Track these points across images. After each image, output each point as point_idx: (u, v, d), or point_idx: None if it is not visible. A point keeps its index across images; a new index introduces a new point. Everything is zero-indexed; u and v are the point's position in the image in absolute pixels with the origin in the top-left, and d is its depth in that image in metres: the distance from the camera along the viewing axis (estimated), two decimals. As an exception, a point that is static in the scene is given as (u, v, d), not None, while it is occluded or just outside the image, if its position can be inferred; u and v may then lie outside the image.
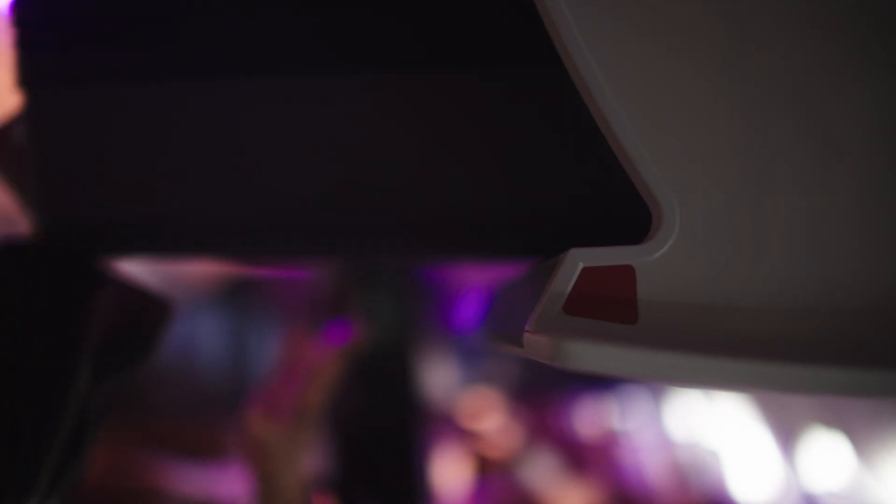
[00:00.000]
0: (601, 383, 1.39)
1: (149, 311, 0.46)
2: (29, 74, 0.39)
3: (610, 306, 0.28)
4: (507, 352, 0.42)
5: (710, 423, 1.24)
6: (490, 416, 1.22)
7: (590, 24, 0.28)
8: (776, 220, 0.29)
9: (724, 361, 0.26)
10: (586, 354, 0.25)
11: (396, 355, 1.04)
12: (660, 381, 0.28)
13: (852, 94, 0.30)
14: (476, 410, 1.22)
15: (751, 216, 0.29)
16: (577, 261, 0.28)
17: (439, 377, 1.16)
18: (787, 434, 0.96)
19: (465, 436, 1.16)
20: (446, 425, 1.13)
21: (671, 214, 0.28)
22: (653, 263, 0.28)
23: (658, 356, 0.25)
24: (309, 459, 0.75)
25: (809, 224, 0.29)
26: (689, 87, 0.29)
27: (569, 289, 0.28)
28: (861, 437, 0.78)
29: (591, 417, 1.38)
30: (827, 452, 0.85)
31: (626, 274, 0.28)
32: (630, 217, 0.31)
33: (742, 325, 0.28)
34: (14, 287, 0.42)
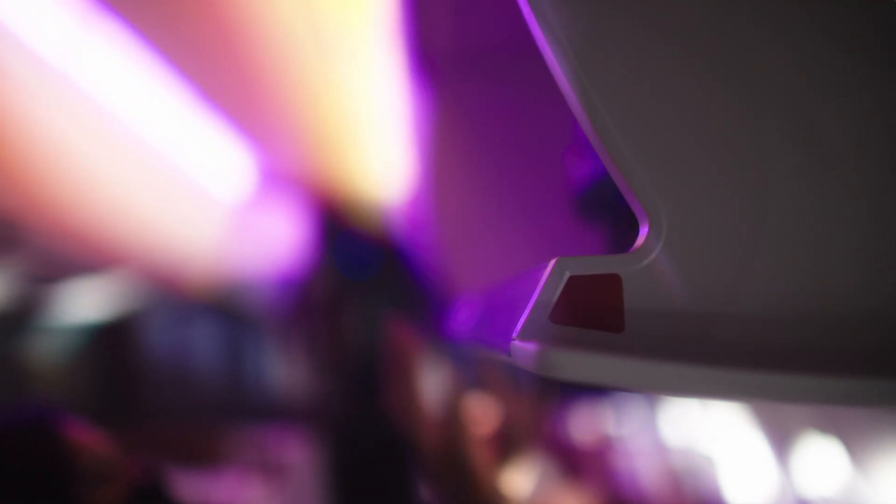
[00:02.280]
0: (595, 389, 1.38)
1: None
2: None
3: (596, 315, 0.27)
4: (496, 359, 0.42)
5: (704, 428, 1.24)
6: (484, 422, 1.21)
7: (573, 24, 0.28)
8: (767, 228, 0.28)
9: (713, 371, 0.25)
10: (572, 365, 0.25)
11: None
12: (647, 390, 0.27)
13: (847, 99, 0.29)
14: (471, 415, 1.21)
15: (741, 224, 0.28)
16: (564, 269, 0.27)
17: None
18: (781, 439, 0.96)
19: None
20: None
21: (657, 223, 0.27)
22: (639, 272, 0.27)
23: (645, 366, 0.25)
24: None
25: (802, 231, 0.29)
26: (677, 91, 0.28)
27: (555, 297, 0.27)
28: (855, 442, 0.78)
29: (587, 423, 1.38)
30: (821, 458, 0.84)
31: (612, 283, 0.27)
32: None
33: (731, 334, 0.28)
34: None
